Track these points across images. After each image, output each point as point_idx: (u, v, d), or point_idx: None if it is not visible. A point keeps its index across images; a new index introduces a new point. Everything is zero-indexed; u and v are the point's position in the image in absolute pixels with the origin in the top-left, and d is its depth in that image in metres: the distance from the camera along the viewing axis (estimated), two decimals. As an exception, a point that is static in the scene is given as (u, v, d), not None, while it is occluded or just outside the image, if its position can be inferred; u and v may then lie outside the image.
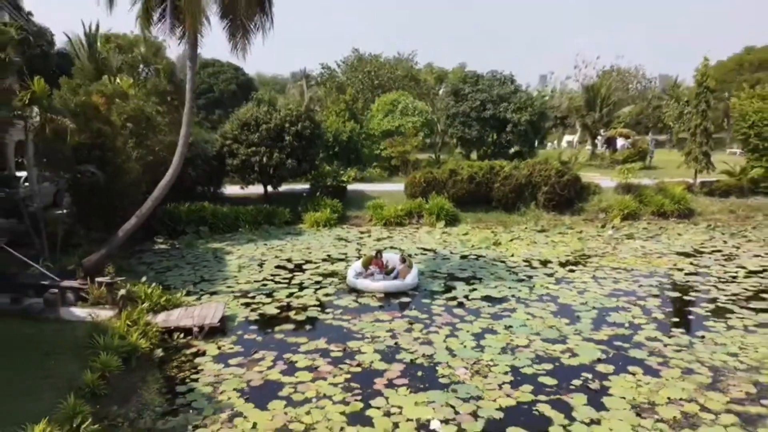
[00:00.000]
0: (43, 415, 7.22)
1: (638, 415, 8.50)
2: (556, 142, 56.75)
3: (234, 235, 21.79)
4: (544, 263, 17.59)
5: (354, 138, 32.57)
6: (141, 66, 23.15)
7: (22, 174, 18.47)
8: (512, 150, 32.57)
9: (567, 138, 56.69)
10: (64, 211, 17.19)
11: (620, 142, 38.74)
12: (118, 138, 17.00)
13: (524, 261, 17.84)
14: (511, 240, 20.96)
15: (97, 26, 31.43)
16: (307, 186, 26.11)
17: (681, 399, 8.95)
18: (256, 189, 25.33)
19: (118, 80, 20.24)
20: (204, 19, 12.93)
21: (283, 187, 25.74)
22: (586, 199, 25.16)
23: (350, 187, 26.51)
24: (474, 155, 34.33)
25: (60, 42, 32.99)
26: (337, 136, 31.44)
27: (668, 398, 8.97)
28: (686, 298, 14.33)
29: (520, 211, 24.57)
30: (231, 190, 25.78)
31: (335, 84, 42.38)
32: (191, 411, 8.65)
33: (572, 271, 16.70)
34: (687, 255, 18.58)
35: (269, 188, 25.22)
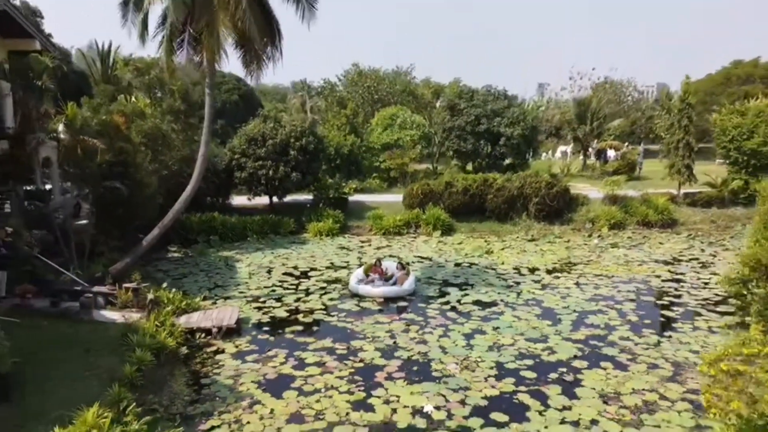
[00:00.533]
0: (94, 399, 8.50)
1: (605, 402, 9.81)
2: (550, 152, 58.09)
3: (242, 243, 23.04)
4: (532, 270, 18.87)
5: (355, 151, 33.86)
6: (157, 86, 24.54)
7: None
8: (506, 162, 33.91)
9: (561, 148, 58.01)
10: (85, 222, 18.47)
11: (611, 153, 40.05)
12: (138, 155, 18.30)
13: (513, 268, 19.12)
14: (503, 249, 22.24)
15: (110, 45, 33.15)
16: (310, 197, 27.29)
17: (643, 389, 10.26)
18: (262, 200, 26.55)
19: (134, 98, 21.60)
20: (222, 52, 14.34)
21: (288, 198, 26.91)
22: (574, 209, 26.44)
23: (351, 198, 27.74)
24: (469, 167, 35.63)
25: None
26: (338, 149, 32.75)
27: (633, 389, 10.28)
28: (660, 302, 15.60)
29: (513, 221, 25.80)
30: (238, 200, 27.00)
31: (336, 98, 43.71)
32: (216, 399, 9.97)
33: (557, 277, 17.98)
34: (666, 263, 19.87)
35: (274, 199, 26.49)
